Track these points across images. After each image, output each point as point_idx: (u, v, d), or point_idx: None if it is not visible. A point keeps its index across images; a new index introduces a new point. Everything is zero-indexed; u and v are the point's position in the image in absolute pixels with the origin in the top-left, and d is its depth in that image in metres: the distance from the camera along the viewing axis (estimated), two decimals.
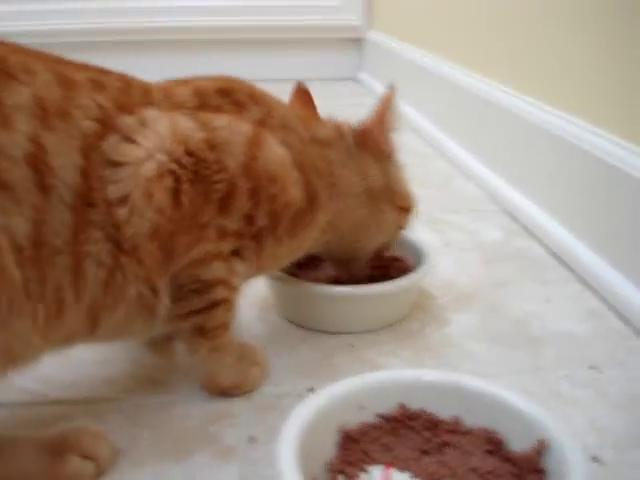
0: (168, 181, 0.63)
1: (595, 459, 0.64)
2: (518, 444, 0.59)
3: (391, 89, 0.84)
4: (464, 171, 1.47)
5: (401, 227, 0.87)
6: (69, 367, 0.78)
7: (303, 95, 0.86)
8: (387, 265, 0.92)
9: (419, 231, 0.95)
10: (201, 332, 0.70)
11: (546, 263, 1.05)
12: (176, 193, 0.64)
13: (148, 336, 0.76)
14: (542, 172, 1.15)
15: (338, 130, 0.81)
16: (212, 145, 0.66)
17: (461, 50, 1.65)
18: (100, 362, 0.80)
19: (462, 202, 1.32)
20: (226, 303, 0.70)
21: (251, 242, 0.71)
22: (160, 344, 0.82)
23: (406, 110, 1.92)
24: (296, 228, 0.74)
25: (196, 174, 0.65)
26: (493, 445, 0.61)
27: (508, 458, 0.59)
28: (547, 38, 1.18)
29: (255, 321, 0.89)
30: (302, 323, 0.87)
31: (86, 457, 0.61)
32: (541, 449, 0.58)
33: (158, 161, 0.63)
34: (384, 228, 0.85)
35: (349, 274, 0.88)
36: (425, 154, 1.64)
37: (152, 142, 0.63)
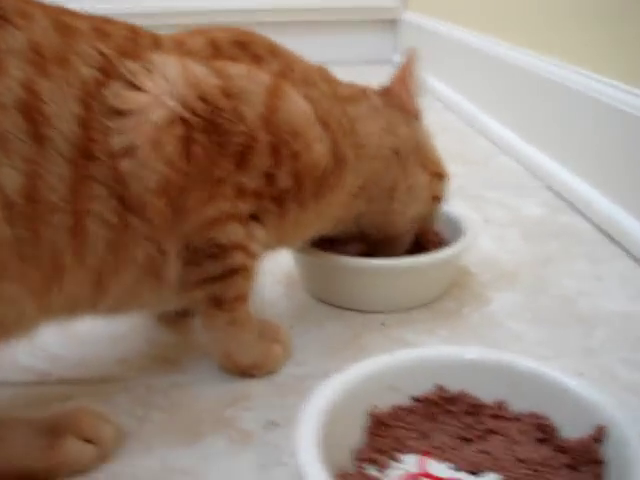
0: (179, 129, 0.57)
1: None
2: (572, 432, 0.52)
3: (411, 53, 0.78)
4: (505, 148, 1.39)
5: (436, 197, 0.80)
6: (77, 345, 0.73)
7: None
8: (423, 239, 0.85)
9: (457, 207, 0.87)
10: (217, 303, 0.63)
11: (593, 239, 0.97)
12: (188, 143, 0.57)
13: (160, 308, 0.70)
14: (586, 144, 1.07)
15: (362, 90, 0.76)
16: (228, 93, 0.60)
17: (499, 23, 1.57)
18: (111, 340, 0.74)
19: (503, 178, 1.24)
20: (244, 271, 0.63)
21: (272, 205, 0.64)
22: (176, 321, 0.75)
23: (444, 89, 1.85)
24: (323, 190, 0.67)
25: (211, 123, 0.59)
26: (544, 433, 0.54)
27: (561, 447, 0.52)
28: (593, 4, 1.10)
29: (279, 298, 0.83)
30: (329, 300, 0.80)
31: (87, 440, 0.55)
32: (599, 437, 0.50)
33: (168, 107, 0.56)
34: (417, 194, 0.78)
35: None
36: (465, 132, 1.56)
37: (160, 87, 0.57)
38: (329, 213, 0.72)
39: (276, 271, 0.87)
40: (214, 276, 0.62)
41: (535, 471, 0.51)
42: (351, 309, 0.78)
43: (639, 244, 0.90)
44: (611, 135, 0.99)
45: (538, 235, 0.98)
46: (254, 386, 0.65)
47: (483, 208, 1.09)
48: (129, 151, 0.55)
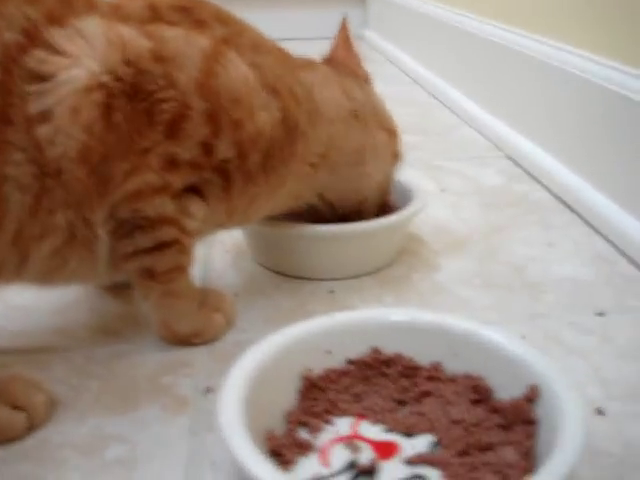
0: (99, 94, 0.54)
1: (599, 411, 0.56)
2: (508, 392, 0.52)
3: (344, 21, 0.79)
4: (468, 120, 1.38)
5: (395, 154, 0.80)
6: (20, 316, 0.72)
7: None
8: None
9: (415, 177, 0.87)
10: (150, 275, 0.61)
11: (550, 207, 0.96)
12: (108, 109, 0.55)
13: (97, 279, 0.68)
14: (546, 114, 1.06)
15: (310, 59, 0.75)
16: (159, 57, 0.57)
17: None
18: (54, 311, 0.72)
19: (463, 149, 1.23)
20: (178, 245, 0.61)
21: (214, 177, 0.61)
22: (120, 292, 0.74)
23: (411, 63, 1.84)
24: (272, 161, 0.65)
25: (135, 88, 0.56)
26: (479, 394, 0.53)
27: (495, 408, 0.52)
28: None
29: (228, 267, 0.81)
30: (278, 269, 0.79)
31: (18, 407, 0.54)
32: (532, 397, 0.50)
33: (88, 69, 0.54)
34: (381, 154, 0.77)
35: None
36: (430, 104, 1.55)
37: (81, 49, 0.54)
38: (287, 187, 0.69)
39: (226, 241, 0.86)
40: (144, 248, 0.60)
41: (468, 432, 0.50)
42: (300, 277, 0.78)
43: (594, 211, 0.89)
44: (570, 104, 0.99)
45: (494, 204, 0.98)
46: (195, 354, 0.64)
47: (441, 178, 1.08)
48: (45, 116, 0.53)
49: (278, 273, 0.79)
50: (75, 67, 0.54)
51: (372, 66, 0.82)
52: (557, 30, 1.07)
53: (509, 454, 0.47)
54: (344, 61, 0.77)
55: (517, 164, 1.13)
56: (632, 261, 0.80)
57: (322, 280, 0.77)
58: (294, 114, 0.66)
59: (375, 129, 0.76)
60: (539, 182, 1.04)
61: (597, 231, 0.88)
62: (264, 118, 0.63)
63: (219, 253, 0.84)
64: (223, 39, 0.63)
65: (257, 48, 0.66)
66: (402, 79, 1.80)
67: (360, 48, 0.80)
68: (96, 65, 0.54)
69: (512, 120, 1.20)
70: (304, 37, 2.22)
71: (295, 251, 0.77)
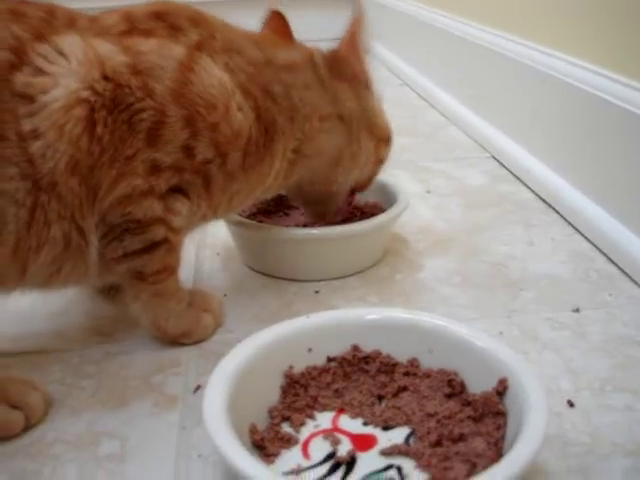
0: (81, 110, 0.57)
1: (570, 403, 0.58)
2: (480, 386, 0.54)
3: (357, 17, 0.78)
4: (454, 120, 1.41)
5: (381, 160, 0.81)
6: (16, 320, 0.74)
7: (277, 21, 0.79)
8: (361, 212, 0.87)
9: (401, 180, 0.89)
10: (140, 276, 0.64)
11: (532, 207, 0.99)
12: (91, 123, 0.58)
13: (87, 283, 0.71)
14: (529, 115, 1.09)
15: (307, 54, 0.75)
16: (136, 70, 0.60)
17: None
18: (51, 315, 0.75)
19: (449, 150, 1.26)
20: (167, 244, 0.64)
21: (196, 178, 0.64)
22: (112, 293, 0.76)
23: (401, 64, 1.86)
24: (251, 159, 0.67)
25: (115, 101, 0.59)
26: (452, 388, 0.56)
27: (468, 401, 0.54)
28: None
29: (217, 269, 0.84)
30: (266, 270, 0.82)
31: (14, 406, 0.57)
32: (501, 389, 0.52)
33: (66, 87, 0.57)
34: (360, 160, 0.78)
35: (319, 220, 0.83)
36: (417, 105, 1.58)
37: (62, 69, 0.57)
38: (263, 182, 0.71)
39: (216, 244, 0.88)
40: (135, 250, 0.63)
41: (442, 424, 0.53)
42: (287, 279, 0.80)
43: (575, 210, 0.92)
44: (554, 108, 1.01)
45: (478, 204, 1.00)
46: (184, 353, 0.67)
47: (428, 179, 1.10)
48: (37, 134, 0.56)
49: (265, 275, 0.81)
50: (56, 87, 0.57)
51: None
52: (543, 34, 1.09)
53: (479, 444, 0.50)
54: (347, 60, 0.76)
55: (502, 165, 1.15)
56: (609, 259, 0.82)
57: (308, 281, 0.79)
58: (271, 113, 0.69)
59: (362, 136, 0.77)
60: (523, 183, 1.07)
61: (577, 230, 0.90)
62: (240, 119, 0.65)
63: (209, 255, 0.87)
64: (197, 44, 0.65)
65: (230, 48, 0.68)
66: (392, 81, 1.82)
67: (342, 38, 0.77)
68: (76, 83, 0.57)
69: (498, 122, 1.22)
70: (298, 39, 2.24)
71: (282, 253, 0.79)
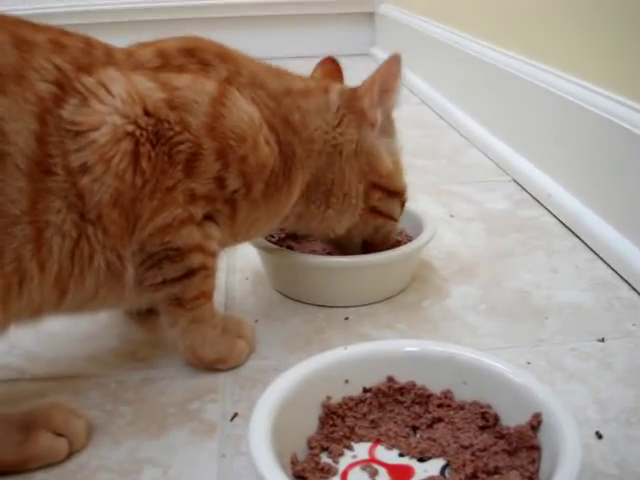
0: (127, 144, 0.60)
1: (598, 434, 0.60)
2: (513, 419, 0.56)
3: (394, 55, 0.77)
4: (474, 142, 1.42)
5: (373, 208, 0.79)
6: (52, 344, 0.76)
7: (330, 65, 0.83)
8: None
9: (424, 203, 0.91)
10: (179, 303, 0.66)
11: (554, 233, 1.00)
12: (136, 156, 0.61)
13: (123, 308, 0.73)
14: (551, 140, 1.10)
15: (324, 86, 0.77)
16: (173, 105, 0.63)
17: (471, 19, 1.60)
18: (85, 338, 0.77)
19: (471, 173, 1.27)
20: (204, 270, 0.67)
21: (224, 207, 0.67)
22: (146, 318, 0.79)
23: (419, 83, 1.87)
24: (271, 189, 0.70)
25: (157, 135, 0.62)
26: (486, 420, 0.57)
27: (502, 434, 0.56)
28: (565, 3, 1.13)
29: (247, 294, 0.86)
30: (295, 296, 0.83)
31: (58, 434, 0.59)
32: (535, 424, 0.54)
33: (113, 124, 0.60)
34: (349, 203, 0.78)
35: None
36: (436, 126, 1.60)
37: (108, 106, 0.60)
38: (280, 211, 0.74)
39: (246, 269, 0.90)
40: (174, 278, 0.65)
41: (476, 456, 0.54)
42: (316, 305, 0.82)
43: (597, 237, 0.93)
44: (576, 134, 1.03)
45: (500, 229, 1.02)
46: (220, 379, 0.69)
47: (450, 203, 1.12)
48: (85, 168, 0.58)
49: (294, 300, 0.83)
50: (104, 122, 0.59)
51: None
52: (564, 61, 1.11)
53: (514, 478, 0.51)
54: (361, 98, 0.77)
55: (523, 188, 1.17)
56: (632, 287, 0.84)
57: (337, 307, 0.81)
58: (292, 146, 0.72)
59: (353, 175, 0.77)
60: (544, 207, 1.08)
61: (598, 256, 0.92)
62: (266, 152, 0.68)
63: (239, 280, 0.88)
64: (227, 79, 0.68)
65: (254, 82, 0.71)
66: (410, 99, 1.84)
67: (369, 66, 0.80)
68: (122, 119, 0.60)
69: (519, 145, 1.24)
70: (314, 55, 2.25)
71: (313, 281, 0.81)
